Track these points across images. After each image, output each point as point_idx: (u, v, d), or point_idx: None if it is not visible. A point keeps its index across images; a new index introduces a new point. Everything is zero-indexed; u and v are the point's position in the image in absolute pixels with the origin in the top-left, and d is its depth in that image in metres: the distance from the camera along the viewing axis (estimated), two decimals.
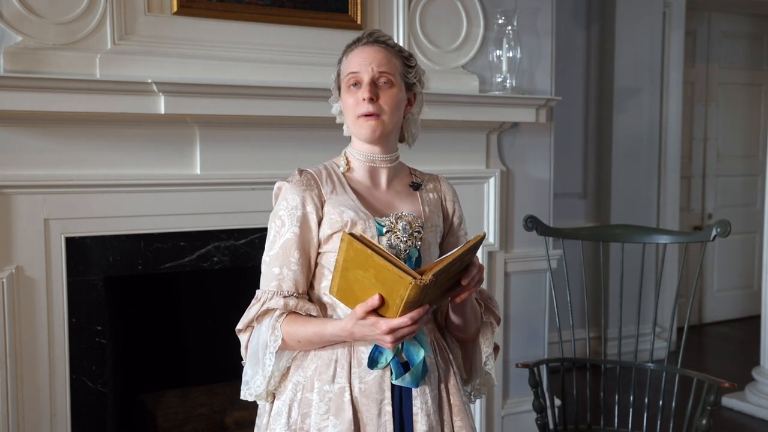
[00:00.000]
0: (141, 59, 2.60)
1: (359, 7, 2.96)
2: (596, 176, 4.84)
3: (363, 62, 1.62)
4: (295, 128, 2.87)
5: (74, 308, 2.57)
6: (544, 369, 3.24)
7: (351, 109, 1.64)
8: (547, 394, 3.17)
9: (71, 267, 2.56)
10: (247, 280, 3.15)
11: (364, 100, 1.60)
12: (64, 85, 2.41)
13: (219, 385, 3.18)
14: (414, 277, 1.35)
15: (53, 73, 2.46)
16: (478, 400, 3.10)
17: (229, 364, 3.28)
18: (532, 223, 2.90)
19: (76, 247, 2.56)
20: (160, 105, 2.54)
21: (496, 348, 1.76)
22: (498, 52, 3.23)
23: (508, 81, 3.23)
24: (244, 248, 2.82)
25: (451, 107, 3.06)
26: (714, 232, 2.60)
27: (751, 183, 5.94)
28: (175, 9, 2.66)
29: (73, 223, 2.55)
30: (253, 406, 3.00)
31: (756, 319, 4.51)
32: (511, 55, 3.21)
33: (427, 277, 1.35)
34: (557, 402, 3.33)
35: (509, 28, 3.22)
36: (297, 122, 2.84)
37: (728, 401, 4.11)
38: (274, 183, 2.71)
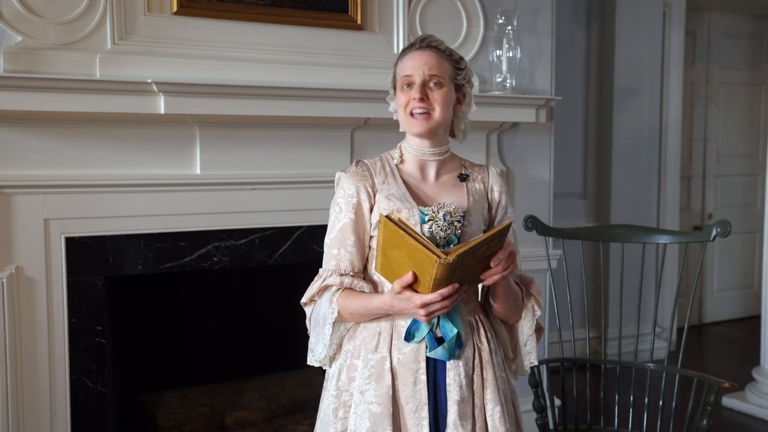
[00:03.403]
0: (141, 59, 2.60)
1: (359, 7, 2.96)
2: (596, 176, 4.84)
3: (416, 65, 1.78)
4: (294, 128, 2.87)
5: (74, 308, 2.57)
6: (544, 369, 3.24)
7: (403, 107, 1.80)
8: (547, 394, 3.17)
9: (71, 267, 2.56)
10: (248, 281, 3.16)
11: (414, 99, 1.77)
12: (64, 85, 2.41)
13: (219, 385, 3.18)
14: (439, 256, 1.49)
15: (53, 73, 2.46)
16: None
17: (229, 364, 3.28)
18: (532, 223, 2.90)
19: (76, 247, 2.56)
20: (160, 105, 2.54)
21: (539, 329, 1.90)
22: (498, 52, 3.23)
23: (508, 81, 3.22)
24: (244, 248, 2.81)
25: None
26: (714, 232, 2.60)
27: (751, 183, 5.94)
28: (175, 9, 2.66)
29: (73, 223, 2.55)
30: (253, 407, 3.00)
31: (756, 319, 4.51)
32: (511, 55, 3.21)
33: (451, 257, 1.50)
34: (557, 402, 3.32)
35: (509, 28, 3.21)
36: (297, 122, 2.84)
37: (728, 401, 4.11)
38: (274, 183, 2.74)
